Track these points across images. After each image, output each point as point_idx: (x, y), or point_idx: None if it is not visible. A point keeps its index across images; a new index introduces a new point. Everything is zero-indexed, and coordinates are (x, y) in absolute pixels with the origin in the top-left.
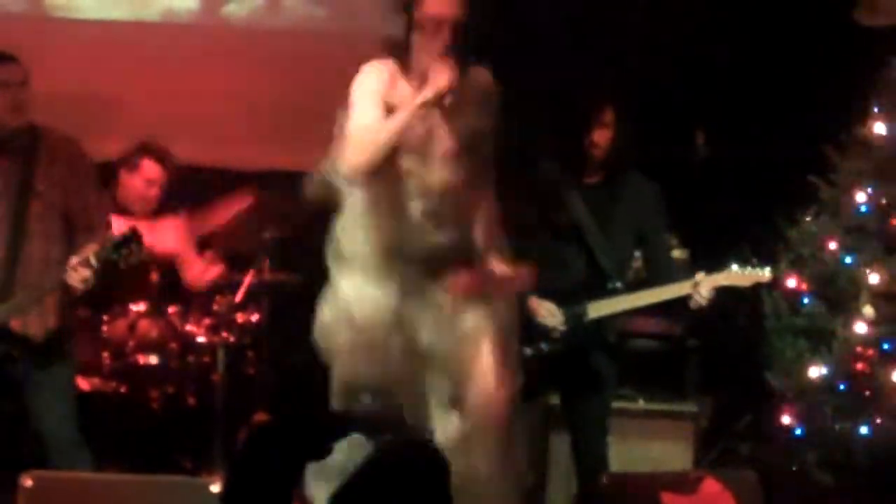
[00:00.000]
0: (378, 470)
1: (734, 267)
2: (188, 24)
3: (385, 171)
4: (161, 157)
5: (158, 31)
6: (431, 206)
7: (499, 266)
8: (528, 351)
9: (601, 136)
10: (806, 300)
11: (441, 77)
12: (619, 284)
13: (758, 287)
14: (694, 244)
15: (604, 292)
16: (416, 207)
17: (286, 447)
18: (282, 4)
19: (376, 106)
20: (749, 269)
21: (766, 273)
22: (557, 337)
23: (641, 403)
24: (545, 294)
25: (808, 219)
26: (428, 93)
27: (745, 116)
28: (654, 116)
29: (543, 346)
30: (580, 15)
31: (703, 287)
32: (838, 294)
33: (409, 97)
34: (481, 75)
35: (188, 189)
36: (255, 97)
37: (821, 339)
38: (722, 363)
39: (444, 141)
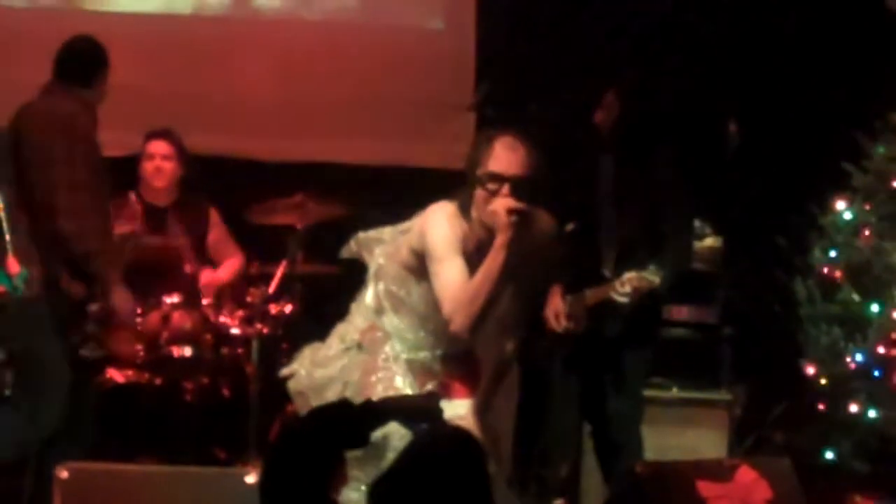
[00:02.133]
0: (417, 458)
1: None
2: (219, 16)
3: None
4: (162, 133)
5: (190, 24)
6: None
7: None
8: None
9: (601, 117)
10: (840, 287)
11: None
12: (606, 273)
13: (792, 274)
14: (728, 232)
15: (598, 279)
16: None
17: (324, 436)
18: None
19: (459, 254)
20: (651, 274)
21: (656, 279)
22: (571, 335)
23: (676, 392)
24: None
25: (841, 206)
26: (503, 237)
27: (778, 104)
28: (687, 105)
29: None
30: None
31: (625, 286)
32: (873, 281)
33: (472, 241)
34: (544, 220)
35: (217, 181)
36: (287, 89)
37: (855, 327)
38: (756, 351)
39: None
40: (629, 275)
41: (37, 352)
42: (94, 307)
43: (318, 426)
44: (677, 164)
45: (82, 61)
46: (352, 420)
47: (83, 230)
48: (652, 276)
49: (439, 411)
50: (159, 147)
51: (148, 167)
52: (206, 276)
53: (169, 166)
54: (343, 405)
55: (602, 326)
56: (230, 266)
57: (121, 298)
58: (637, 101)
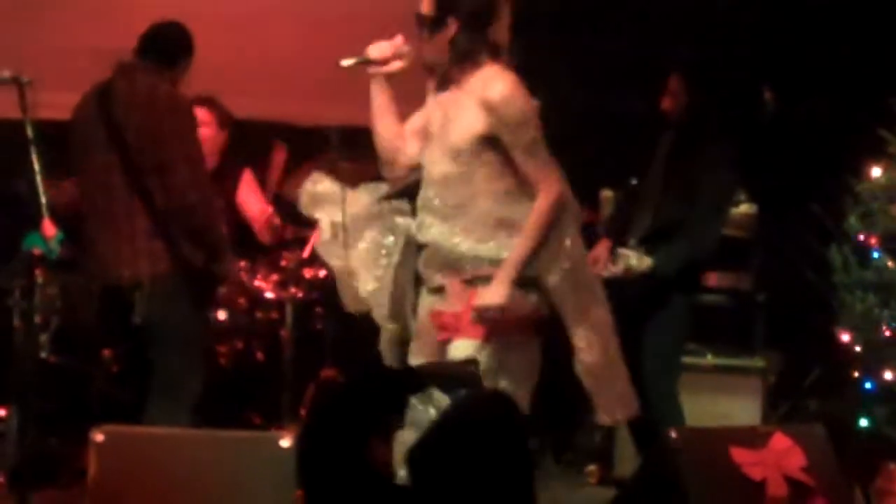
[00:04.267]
0: (455, 423)
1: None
2: None
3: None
4: (202, 100)
5: None
6: (428, 197)
7: (493, 292)
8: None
9: (668, 104)
10: (875, 254)
11: None
12: (632, 242)
13: (827, 241)
14: (763, 199)
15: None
16: (420, 197)
17: (362, 401)
18: None
19: None
20: (635, 258)
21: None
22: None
23: (710, 358)
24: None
25: (877, 173)
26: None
27: (813, 72)
28: (721, 73)
29: None
30: None
31: (618, 264)
32: None
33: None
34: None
35: (251, 144)
36: (319, 53)
37: (890, 294)
38: (791, 318)
39: (451, 136)
40: (623, 251)
41: (180, 324)
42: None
43: (356, 391)
44: (730, 156)
45: (174, 42)
46: (390, 385)
47: (204, 199)
48: (633, 261)
49: (478, 378)
50: (200, 113)
51: None
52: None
53: (209, 133)
54: (381, 370)
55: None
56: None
57: (232, 267)
58: (704, 89)
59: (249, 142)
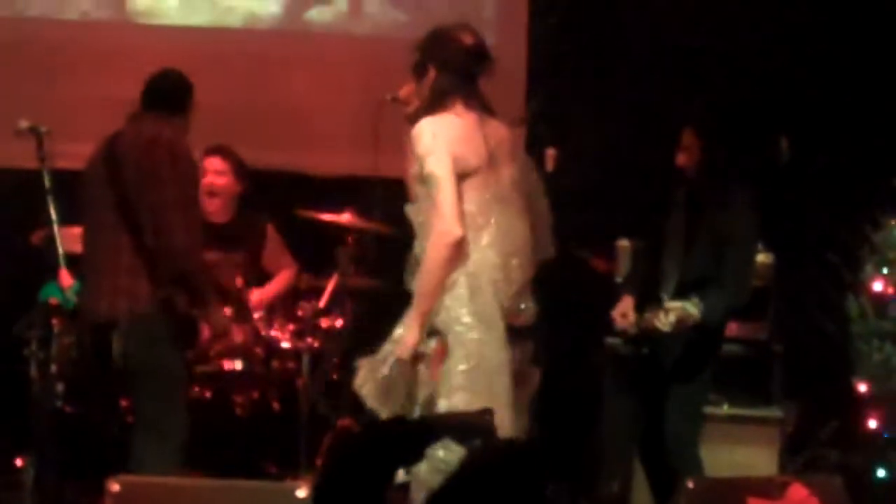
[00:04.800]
0: (473, 474)
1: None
2: (270, 29)
3: None
4: (217, 149)
5: (241, 37)
6: None
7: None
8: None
9: (683, 159)
10: (892, 304)
11: None
12: (665, 298)
13: (844, 291)
14: (780, 248)
15: (655, 305)
16: None
17: (378, 452)
18: (364, 10)
19: None
20: (692, 306)
21: (694, 313)
22: (628, 339)
23: (726, 408)
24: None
25: (893, 222)
26: None
27: (829, 121)
28: (736, 123)
29: (622, 348)
30: (662, 30)
31: (669, 316)
32: None
33: None
34: None
35: (269, 194)
36: (337, 102)
37: None
38: (808, 368)
39: None
40: (674, 304)
41: (159, 366)
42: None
43: (372, 441)
44: (750, 204)
45: (173, 91)
46: (406, 436)
47: (194, 246)
48: (692, 310)
49: (493, 428)
50: (213, 163)
51: (204, 183)
52: (255, 296)
53: (222, 182)
54: (397, 421)
55: (660, 351)
56: (280, 279)
57: (218, 315)
58: (718, 143)
59: (267, 193)
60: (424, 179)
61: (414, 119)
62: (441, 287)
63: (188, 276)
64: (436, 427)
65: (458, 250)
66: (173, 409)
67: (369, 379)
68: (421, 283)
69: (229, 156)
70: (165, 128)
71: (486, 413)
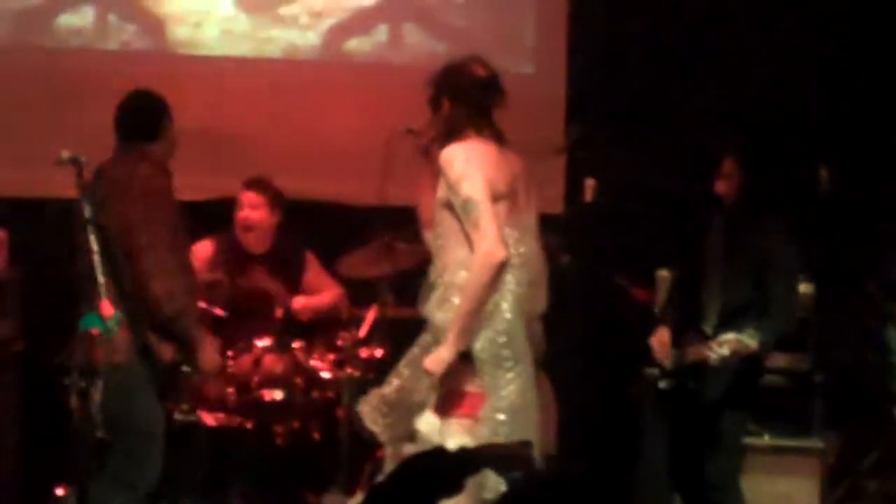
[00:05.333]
0: None
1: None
2: (310, 60)
3: None
4: (252, 183)
5: (280, 68)
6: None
7: (432, 359)
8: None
9: (723, 187)
10: None
11: None
12: (708, 330)
13: (884, 321)
14: (820, 278)
15: (699, 337)
16: None
17: (418, 483)
18: (404, 41)
19: None
20: (748, 338)
21: (753, 343)
22: (666, 373)
23: (767, 439)
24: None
25: None
26: None
27: (869, 152)
28: (776, 153)
29: (661, 382)
30: (701, 60)
31: (723, 348)
32: None
33: None
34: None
35: (308, 225)
36: (377, 133)
37: None
38: (848, 398)
39: None
40: (727, 336)
41: (133, 421)
42: (186, 370)
43: (412, 473)
44: (791, 232)
45: (141, 117)
46: (446, 467)
47: (171, 290)
48: (749, 341)
49: (533, 460)
50: (248, 197)
51: (238, 216)
52: (299, 302)
53: (257, 216)
54: (437, 452)
55: (703, 384)
56: (327, 294)
57: (208, 356)
58: (759, 172)
59: (303, 221)
60: (460, 204)
61: (427, 150)
62: (482, 308)
63: (169, 322)
64: (476, 458)
65: (501, 272)
66: (146, 464)
67: (371, 403)
68: (463, 302)
69: (264, 189)
70: (140, 164)
71: (526, 445)
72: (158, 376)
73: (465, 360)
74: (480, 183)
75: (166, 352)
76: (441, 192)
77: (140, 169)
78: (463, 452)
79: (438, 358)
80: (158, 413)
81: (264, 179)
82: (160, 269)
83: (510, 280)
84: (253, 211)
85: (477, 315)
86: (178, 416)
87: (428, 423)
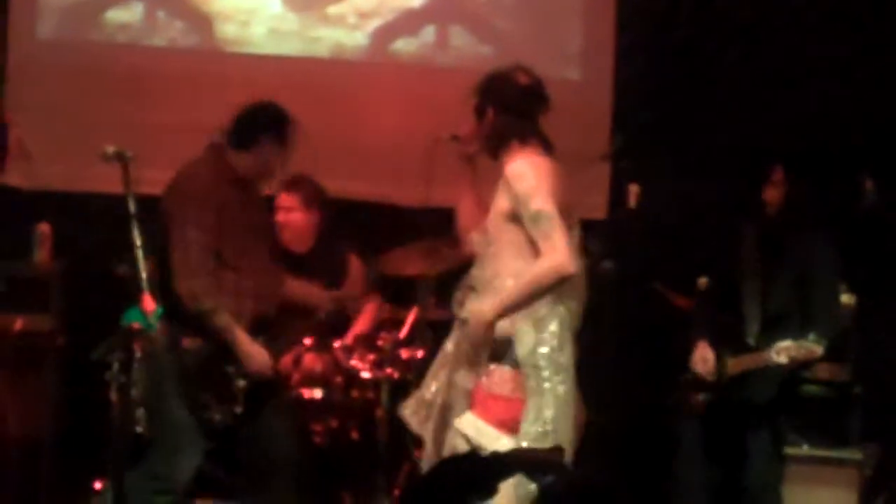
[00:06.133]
0: None
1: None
2: (357, 60)
3: None
4: (287, 184)
5: (328, 67)
6: (471, 275)
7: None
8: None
9: (771, 195)
10: None
11: None
12: (750, 341)
13: None
14: (861, 289)
15: (740, 347)
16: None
17: (451, 486)
18: (450, 43)
19: None
20: (813, 343)
21: (818, 349)
22: (708, 387)
23: (806, 449)
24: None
25: None
26: None
27: None
28: (823, 163)
29: (701, 395)
30: (745, 69)
31: (781, 355)
32: None
33: None
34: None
35: (352, 225)
36: (422, 134)
37: None
38: (888, 410)
39: (489, 217)
40: (785, 344)
41: (158, 408)
42: (230, 370)
43: (445, 476)
44: (834, 241)
45: (240, 123)
46: (479, 470)
47: (193, 289)
48: (814, 346)
49: (565, 464)
50: (284, 200)
51: (277, 218)
52: (349, 338)
53: (295, 218)
54: (470, 456)
55: (749, 394)
56: (367, 315)
57: (248, 356)
58: (806, 181)
59: (348, 221)
60: (530, 216)
61: (471, 158)
62: (527, 305)
63: (199, 318)
64: (508, 462)
65: (562, 285)
66: (177, 456)
67: (416, 407)
68: (516, 292)
69: (299, 190)
70: (204, 166)
71: (558, 450)
72: (188, 370)
73: (509, 366)
74: (549, 197)
75: (198, 346)
76: (503, 203)
77: (194, 168)
78: (496, 456)
79: (482, 316)
80: (180, 403)
81: (300, 179)
82: (184, 268)
83: (568, 297)
84: (286, 213)
85: (519, 308)
86: (214, 415)
87: (470, 425)
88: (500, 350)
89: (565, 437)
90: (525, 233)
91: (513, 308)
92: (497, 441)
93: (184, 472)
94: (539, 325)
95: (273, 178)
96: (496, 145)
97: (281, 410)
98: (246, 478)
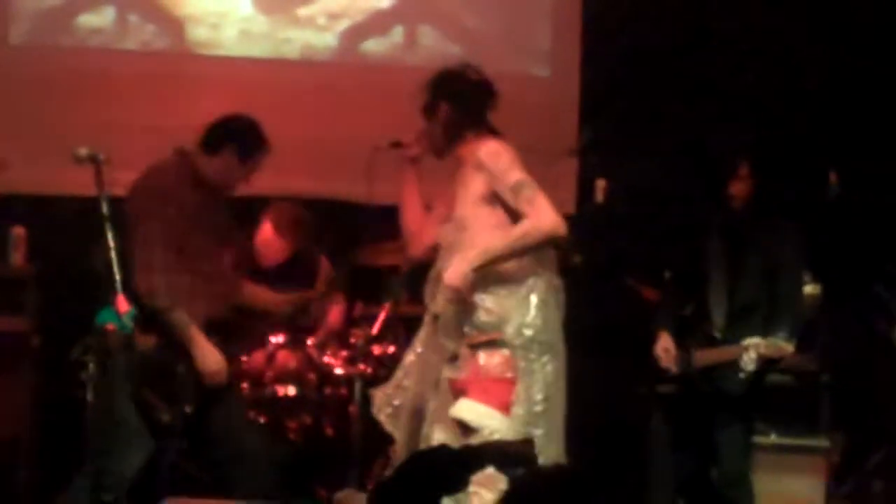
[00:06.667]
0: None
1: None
2: (327, 61)
3: None
4: (266, 213)
5: (298, 68)
6: (439, 269)
7: (451, 272)
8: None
9: (738, 189)
10: None
11: None
12: (717, 334)
13: (891, 322)
14: (827, 280)
15: (706, 340)
16: (433, 270)
17: (423, 480)
18: (419, 42)
19: None
20: (783, 342)
21: (789, 347)
22: (671, 378)
23: (774, 438)
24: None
25: None
26: None
27: (878, 157)
28: (788, 156)
29: (665, 387)
30: (712, 65)
31: (751, 353)
32: None
33: None
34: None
35: (330, 225)
36: (392, 133)
37: None
38: (855, 398)
39: (459, 208)
40: (754, 341)
41: (111, 406)
42: (181, 368)
43: (417, 470)
44: (799, 234)
45: (212, 129)
46: (450, 464)
47: (151, 286)
48: (785, 345)
49: (535, 457)
50: (263, 228)
51: (257, 240)
52: (312, 341)
53: (269, 247)
54: (441, 449)
55: (719, 385)
56: (332, 320)
57: (202, 355)
58: (771, 175)
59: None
60: (511, 187)
61: (416, 160)
62: (506, 259)
63: (156, 314)
64: (479, 455)
65: (547, 244)
66: (120, 454)
67: (384, 405)
68: (498, 245)
69: (273, 218)
70: (169, 167)
71: (528, 443)
72: (137, 368)
73: (497, 347)
74: (520, 168)
75: (145, 344)
76: (477, 186)
77: (159, 166)
78: (467, 449)
79: (457, 272)
80: (128, 402)
81: (279, 208)
82: (144, 265)
83: (548, 271)
84: (265, 245)
85: (498, 262)
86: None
87: (470, 411)
88: (489, 327)
89: (556, 417)
90: (502, 213)
91: (491, 261)
92: (503, 423)
93: (129, 471)
94: (523, 304)
95: (233, 190)
96: (452, 138)
97: (232, 406)
98: (214, 478)
